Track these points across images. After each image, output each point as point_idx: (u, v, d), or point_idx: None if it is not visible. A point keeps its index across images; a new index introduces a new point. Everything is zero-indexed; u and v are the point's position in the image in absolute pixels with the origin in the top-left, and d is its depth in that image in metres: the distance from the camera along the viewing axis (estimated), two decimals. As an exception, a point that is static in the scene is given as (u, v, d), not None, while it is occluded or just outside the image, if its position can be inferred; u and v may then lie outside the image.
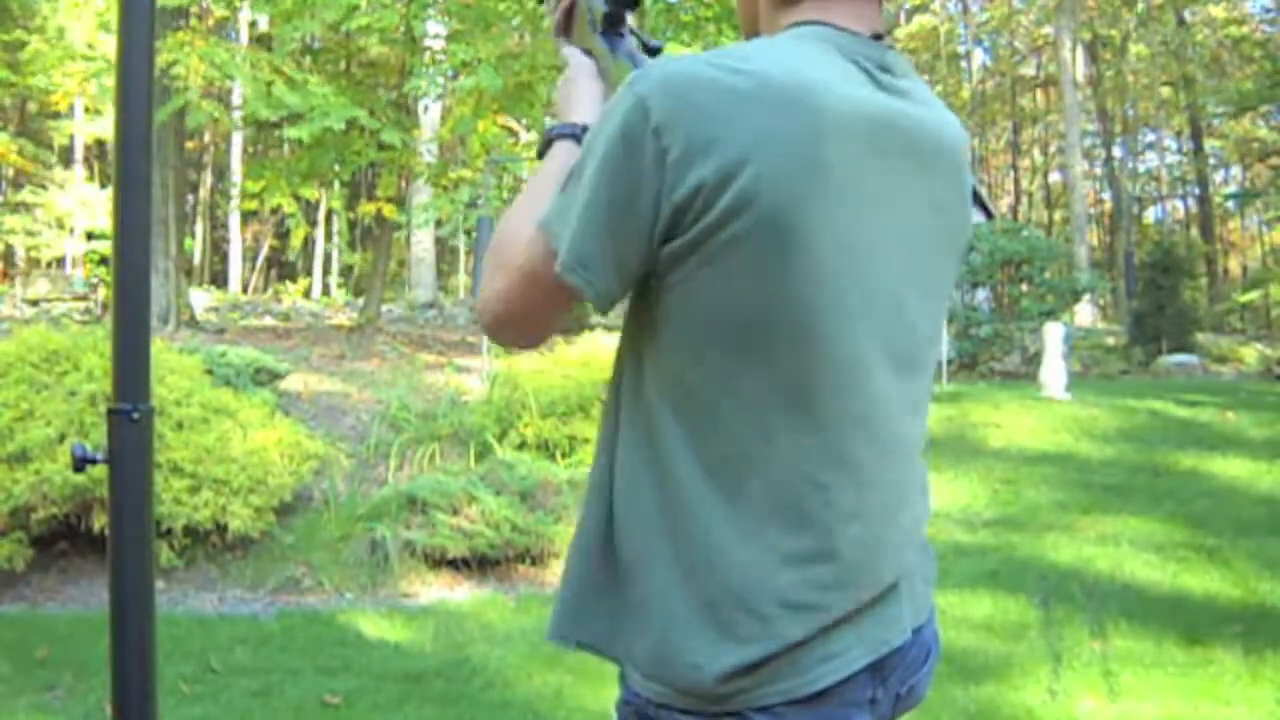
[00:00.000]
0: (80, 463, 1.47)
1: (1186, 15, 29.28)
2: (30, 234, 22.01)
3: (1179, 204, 36.86)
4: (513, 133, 16.17)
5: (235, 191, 16.33)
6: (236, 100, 14.06)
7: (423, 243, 20.34)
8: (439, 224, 12.84)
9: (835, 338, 0.99)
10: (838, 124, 0.98)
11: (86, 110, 21.07)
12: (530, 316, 1.07)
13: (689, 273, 0.97)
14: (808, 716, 1.00)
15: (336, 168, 12.45)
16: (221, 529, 5.45)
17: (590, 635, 1.09)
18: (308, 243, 27.28)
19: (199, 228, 30.04)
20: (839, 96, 0.99)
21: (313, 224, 25.91)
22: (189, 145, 20.80)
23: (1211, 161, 32.27)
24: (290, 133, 10.23)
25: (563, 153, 1.12)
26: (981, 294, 14.21)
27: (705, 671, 0.99)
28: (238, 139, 26.37)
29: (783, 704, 0.99)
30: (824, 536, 1.00)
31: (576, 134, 1.14)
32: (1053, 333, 10.86)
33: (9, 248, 24.79)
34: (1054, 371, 10.62)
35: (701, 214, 0.94)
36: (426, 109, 16.22)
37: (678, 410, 1.01)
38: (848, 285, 1.00)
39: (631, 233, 0.97)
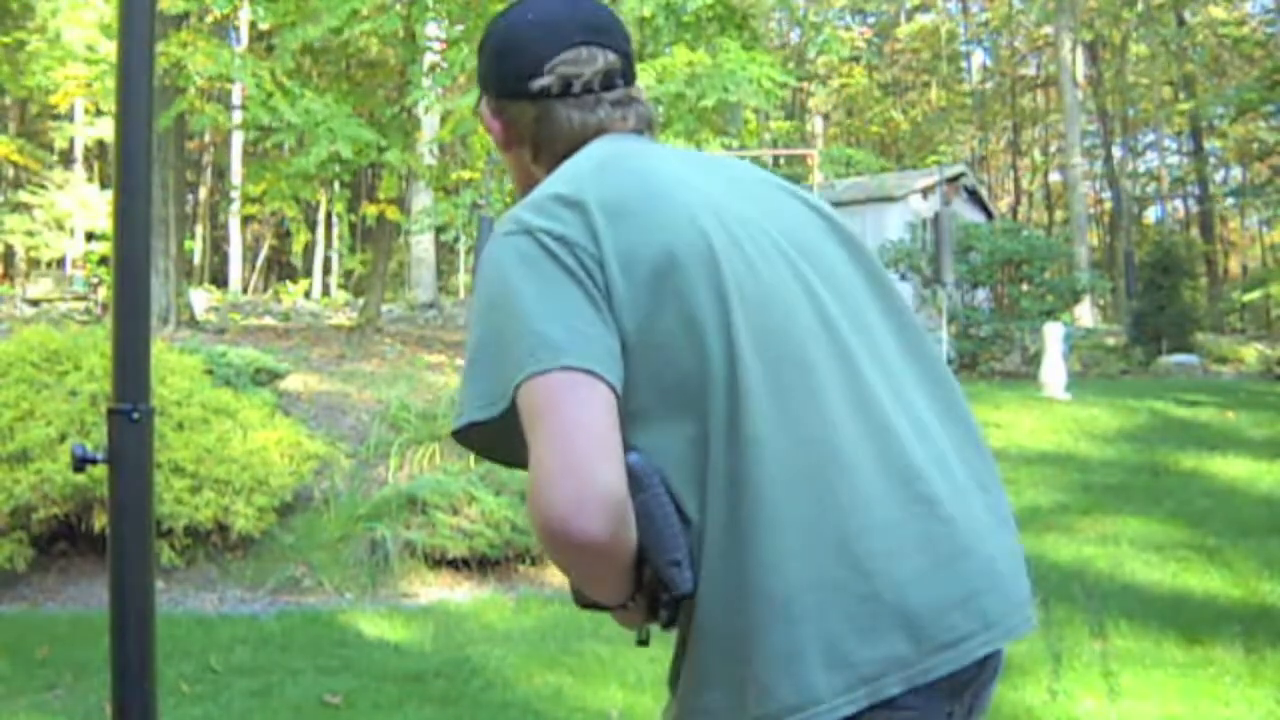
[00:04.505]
0: (80, 463, 1.47)
1: (1186, 15, 29.29)
2: (30, 234, 22.00)
3: (1179, 204, 36.86)
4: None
5: (235, 195, 16.34)
6: (236, 101, 14.07)
7: (423, 243, 20.33)
8: (440, 230, 12.87)
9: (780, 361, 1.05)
10: (690, 193, 1.10)
11: (86, 111, 21.06)
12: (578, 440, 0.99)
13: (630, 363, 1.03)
14: None
15: (336, 168, 12.44)
16: (222, 529, 5.45)
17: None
18: (308, 243, 27.24)
19: (199, 228, 30.05)
20: (674, 174, 1.14)
21: (313, 225, 25.90)
22: (189, 145, 20.81)
23: (1211, 161, 32.28)
24: (298, 162, 10.39)
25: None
26: (981, 294, 14.20)
27: None
28: (237, 140, 26.36)
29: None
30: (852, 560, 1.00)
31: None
32: (1053, 333, 10.86)
33: (9, 248, 24.79)
34: (1054, 371, 10.62)
35: (626, 306, 1.02)
36: (428, 110, 16.23)
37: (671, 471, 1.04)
38: (757, 314, 1.05)
39: (574, 297, 1.02)
